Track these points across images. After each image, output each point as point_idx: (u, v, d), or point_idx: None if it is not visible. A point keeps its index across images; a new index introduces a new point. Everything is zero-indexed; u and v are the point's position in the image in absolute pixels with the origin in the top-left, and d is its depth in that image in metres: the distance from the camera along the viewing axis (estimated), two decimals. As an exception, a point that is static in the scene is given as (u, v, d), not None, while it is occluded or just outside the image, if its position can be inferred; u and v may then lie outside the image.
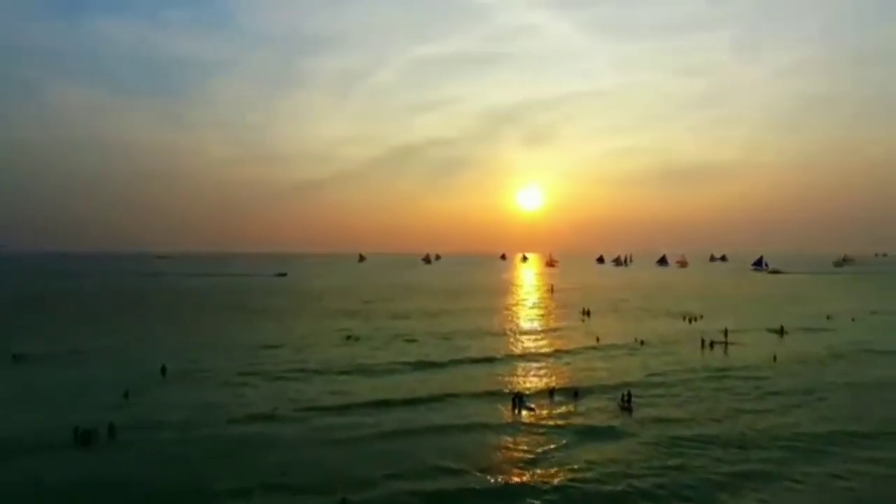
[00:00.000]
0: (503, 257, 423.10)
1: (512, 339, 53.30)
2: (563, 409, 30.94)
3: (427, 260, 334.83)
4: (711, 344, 50.33)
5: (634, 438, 26.11)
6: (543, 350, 48.14)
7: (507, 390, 34.12)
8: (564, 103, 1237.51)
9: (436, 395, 32.97)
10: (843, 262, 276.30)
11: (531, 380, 37.40)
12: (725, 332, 53.75)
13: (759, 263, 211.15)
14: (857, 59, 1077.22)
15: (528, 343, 51.59)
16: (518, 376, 38.40)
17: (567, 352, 47.10)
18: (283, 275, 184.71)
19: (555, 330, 58.71)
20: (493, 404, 31.46)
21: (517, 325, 63.94)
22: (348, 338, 53.59)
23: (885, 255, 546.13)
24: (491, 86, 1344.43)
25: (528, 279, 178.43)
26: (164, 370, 38.82)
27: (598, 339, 52.53)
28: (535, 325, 64.30)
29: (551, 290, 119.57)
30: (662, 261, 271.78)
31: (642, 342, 51.10)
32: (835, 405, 31.31)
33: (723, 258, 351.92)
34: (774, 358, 44.04)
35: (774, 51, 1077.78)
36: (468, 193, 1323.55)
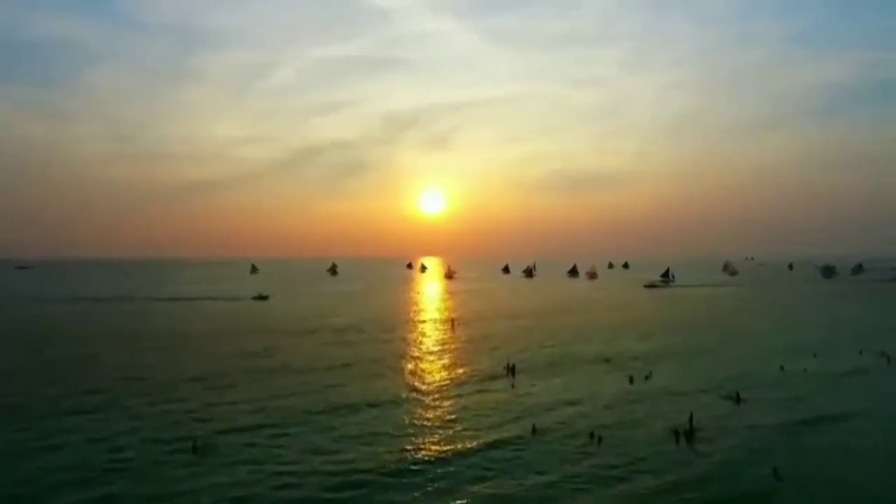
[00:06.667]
0: (409, 266, 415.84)
1: (424, 464, 37.24)
2: None
3: (333, 271, 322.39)
4: (686, 434, 40.53)
5: None
6: (475, 475, 33.54)
7: None
8: (466, 109, 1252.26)
9: None
10: (734, 271, 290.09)
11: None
12: (691, 419, 42.81)
13: (666, 276, 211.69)
14: (720, 81, 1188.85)
15: (450, 465, 35.32)
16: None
17: (508, 479, 33.66)
18: (265, 298, 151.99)
19: (482, 430, 41.17)
20: None
21: (425, 413, 46.32)
22: (194, 449, 37.19)
23: (752, 258, 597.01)
24: (393, 89, 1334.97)
25: (429, 301, 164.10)
26: None
27: (534, 431, 40.68)
28: (450, 410, 46.96)
29: (453, 325, 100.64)
30: (573, 271, 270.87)
31: (600, 439, 39.17)
32: None
33: (625, 265, 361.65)
34: (775, 471, 33.55)
35: (656, 69, 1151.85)
36: (370, 197, 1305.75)
